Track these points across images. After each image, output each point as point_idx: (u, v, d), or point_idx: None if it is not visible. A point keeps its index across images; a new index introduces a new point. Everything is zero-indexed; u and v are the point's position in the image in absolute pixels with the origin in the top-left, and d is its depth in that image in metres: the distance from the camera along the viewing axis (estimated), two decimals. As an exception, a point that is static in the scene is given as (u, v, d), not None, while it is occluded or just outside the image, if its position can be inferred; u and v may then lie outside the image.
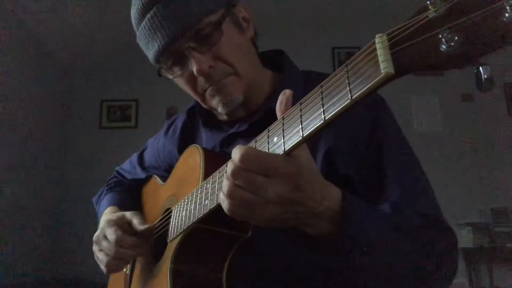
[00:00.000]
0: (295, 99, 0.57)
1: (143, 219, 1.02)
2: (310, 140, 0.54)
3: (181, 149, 1.04)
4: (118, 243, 0.96)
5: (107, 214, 1.11)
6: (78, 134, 4.45)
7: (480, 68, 0.34)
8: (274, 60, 1.03)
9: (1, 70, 3.34)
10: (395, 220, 0.71)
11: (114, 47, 4.31)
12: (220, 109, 0.92)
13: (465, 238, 3.75)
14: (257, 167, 0.56)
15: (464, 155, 4.02)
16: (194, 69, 0.85)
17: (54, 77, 4.26)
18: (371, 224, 0.67)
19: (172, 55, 0.88)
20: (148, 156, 1.25)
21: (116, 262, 0.98)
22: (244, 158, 0.56)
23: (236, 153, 0.57)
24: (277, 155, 0.57)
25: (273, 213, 0.58)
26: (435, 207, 0.81)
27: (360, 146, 0.84)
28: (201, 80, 0.88)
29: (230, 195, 0.58)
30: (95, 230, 1.05)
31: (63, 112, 4.41)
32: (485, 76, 0.34)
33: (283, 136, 0.57)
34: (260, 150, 0.58)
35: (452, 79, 3.91)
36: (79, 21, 3.84)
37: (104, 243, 0.99)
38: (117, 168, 1.38)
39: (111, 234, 0.97)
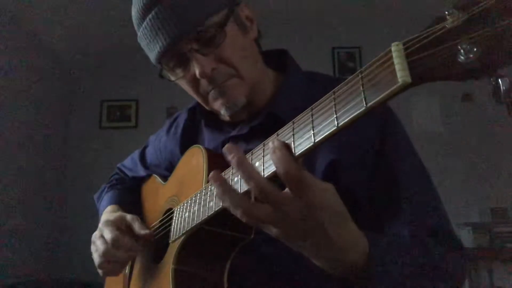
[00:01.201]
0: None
1: (143, 224, 1.00)
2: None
3: (183, 148, 1.04)
4: (114, 243, 0.94)
5: (107, 213, 1.10)
6: (78, 134, 4.45)
7: (499, 80, 0.34)
8: (277, 60, 1.02)
9: (1, 70, 3.33)
10: (415, 259, 0.70)
11: (114, 47, 4.31)
12: (223, 111, 0.91)
13: (465, 238, 3.75)
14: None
15: (464, 155, 4.03)
16: (197, 72, 0.83)
17: (54, 77, 4.25)
18: (394, 275, 0.65)
19: (174, 56, 0.86)
20: (149, 154, 1.24)
21: (111, 264, 0.97)
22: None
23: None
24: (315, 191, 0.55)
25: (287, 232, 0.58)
26: (445, 221, 0.81)
27: (368, 157, 0.83)
28: (204, 82, 0.87)
29: (249, 214, 0.58)
30: (95, 230, 1.05)
31: (63, 112, 4.41)
32: (504, 87, 0.34)
33: (293, 141, 0.56)
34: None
35: (452, 79, 3.91)
36: (80, 21, 3.83)
37: (100, 243, 0.98)
38: (118, 164, 1.37)
39: (107, 233, 0.96)
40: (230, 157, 0.57)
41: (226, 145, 0.58)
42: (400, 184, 0.80)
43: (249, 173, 0.56)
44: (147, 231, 0.96)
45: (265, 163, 0.61)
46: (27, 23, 3.68)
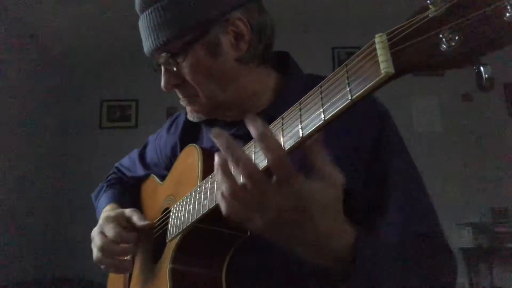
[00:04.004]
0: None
1: (143, 215, 1.02)
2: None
3: (183, 146, 1.05)
4: (117, 239, 0.96)
5: (106, 211, 1.11)
6: (78, 134, 4.46)
7: (481, 67, 0.34)
8: (279, 61, 1.02)
9: (1, 70, 3.34)
10: (402, 259, 0.69)
11: (114, 47, 4.32)
12: (191, 118, 0.96)
13: (465, 238, 3.75)
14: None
15: (464, 155, 4.02)
16: (161, 84, 0.89)
17: (54, 77, 4.26)
18: (380, 271, 0.64)
19: (153, 60, 0.91)
20: (149, 153, 1.24)
21: (113, 260, 0.98)
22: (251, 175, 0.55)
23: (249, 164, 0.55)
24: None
25: (273, 225, 0.58)
26: (435, 226, 0.81)
27: (363, 160, 0.83)
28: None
29: (234, 196, 0.57)
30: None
31: (63, 112, 4.41)
32: (486, 75, 0.34)
33: (282, 136, 0.56)
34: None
35: (452, 79, 3.91)
36: (80, 21, 3.84)
37: (99, 238, 0.99)
38: (116, 164, 1.37)
39: (109, 230, 0.97)
40: (219, 142, 0.56)
41: (214, 130, 0.57)
42: (392, 187, 0.80)
43: (237, 156, 0.55)
44: (146, 222, 0.98)
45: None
46: (28, 23, 3.69)
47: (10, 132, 3.44)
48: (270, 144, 0.53)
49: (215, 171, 0.58)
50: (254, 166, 0.55)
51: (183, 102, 0.94)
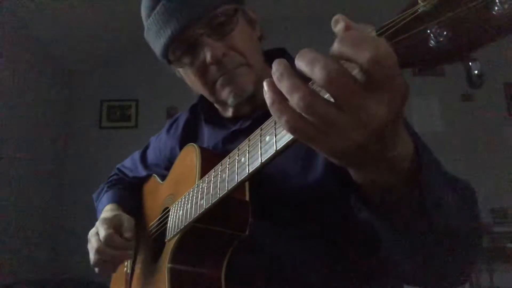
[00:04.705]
0: None
1: (134, 226, 1.02)
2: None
3: (183, 146, 1.05)
4: (107, 241, 0.96)
5: (106, 212, 1.11)
6: (78, 134, 4.46)
7: (470, 63, 0.34)
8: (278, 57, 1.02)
9: (1, 70, 3.34)
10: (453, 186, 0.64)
11: (114, 47, 4.32)
12: (230, 100, 0.90)
13: (465, 238, 3.74)
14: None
15: (464, 155, 4.02)
16: (208, 56, 0.84)
17: (54, 77, 4.26)
18: (439, 188, 0.55)
19: (184, 42, 0.87)
20: (150, 154, 1.25)
21: (105, 262, 0.98)
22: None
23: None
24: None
25: (351, 144, 0.41)
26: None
27: None
28: (212, 69, 0.87)
29: (308, 110, 0.41)
30: None
31: (63, 112, 4.42)
32: (475, 71, 0.34)
33: (275, 135, 0.56)
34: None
35: (452, 79, 3.91)
36: (80, 21, 3.84)
37: (94, 240, 0.99)
38: (118, 165, 1.38)
39: (102, 231, 0.98)
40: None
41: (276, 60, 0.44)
42: None
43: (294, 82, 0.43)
44: (130, 235, 0.99)
45: (250, 158, 0.61)
46: (28, 24, 3.69)
47: (10, 132, 3.44)
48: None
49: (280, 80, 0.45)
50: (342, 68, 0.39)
51: (221, 81, 0.88)
